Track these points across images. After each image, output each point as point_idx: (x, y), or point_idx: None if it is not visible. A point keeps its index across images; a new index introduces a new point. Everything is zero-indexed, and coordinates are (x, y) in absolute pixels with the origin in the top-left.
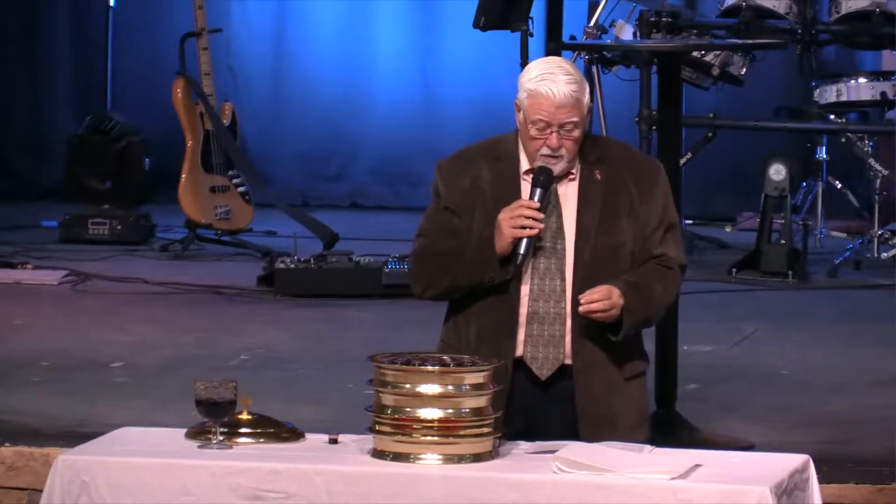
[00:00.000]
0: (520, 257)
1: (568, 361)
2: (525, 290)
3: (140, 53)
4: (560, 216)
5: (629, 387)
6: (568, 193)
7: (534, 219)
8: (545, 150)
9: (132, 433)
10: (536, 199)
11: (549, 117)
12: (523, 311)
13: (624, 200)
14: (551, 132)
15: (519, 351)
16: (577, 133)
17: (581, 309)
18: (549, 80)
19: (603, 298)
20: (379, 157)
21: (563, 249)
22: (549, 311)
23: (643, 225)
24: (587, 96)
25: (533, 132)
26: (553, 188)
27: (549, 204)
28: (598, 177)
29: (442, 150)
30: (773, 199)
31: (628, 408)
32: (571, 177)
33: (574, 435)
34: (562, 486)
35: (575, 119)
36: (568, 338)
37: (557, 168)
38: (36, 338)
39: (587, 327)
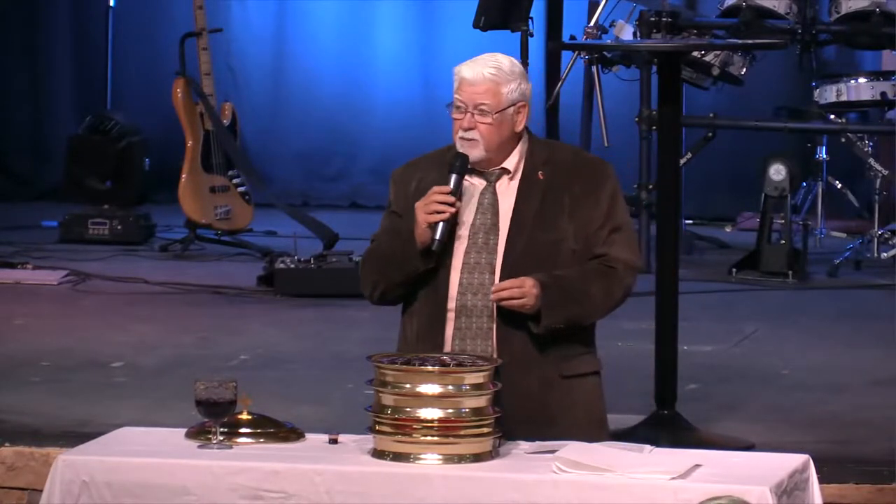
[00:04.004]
0: (436, 242)
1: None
2: (455, 284)
3: (140, 53)
4: (496, 213)
5: (569, 385)
6: (507, 191)
7: (447, 203)
8: (460, 132)
9: (132, 433)
10: (452, 184)
11: (464, 97)
12: (452, 305)
13: (564, 200)
14: (465, 112)
15: (447, 346)
16: (488, 119)
17: (492, 297)
18: (472, 62)
19: (513, 287)
20: (379, 157)
21: (496, 244)
22: (477, 304)
23: (585, 224)
24: (510, 89)
25: (454, 114)
26: (492, 186)
27: (486, 200)
28: (541, 177)
29: None
30: (773, 199)
31: (572, 407)
32: (511, 175)
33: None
34: (562, 486)
35: (486, 101)
36: (495, 332)
37: (474, 154)
38: (36, 338)
39: (512, 321)
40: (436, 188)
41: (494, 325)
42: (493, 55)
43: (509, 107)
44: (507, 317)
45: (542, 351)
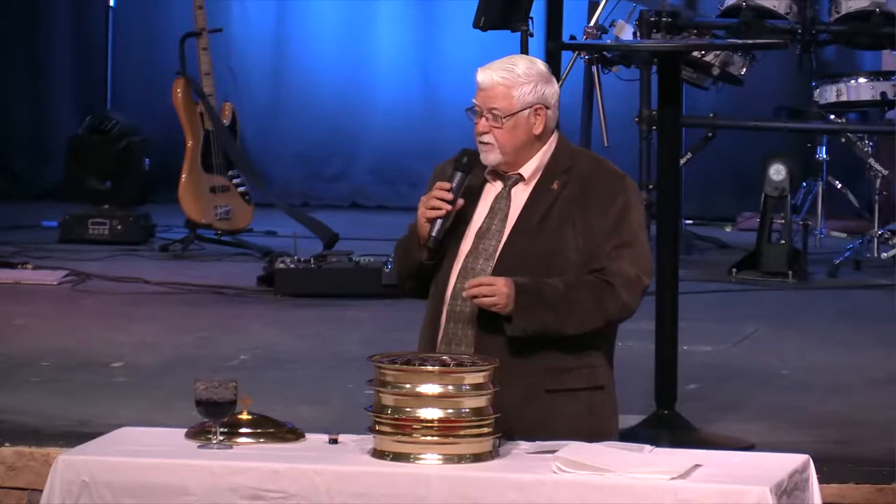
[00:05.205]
0: (431, 238)
1: None
2: (451, 287)
3: (140, 53)
4: (504, 219)
5: (554, 399)
6: (520, 198)
7: (445, 199)
8: (478, 136)
9: (132, 433)
10: (455, 181)
11: (479, 101)
12: (445, 309)
13: (573, 211)
14: (482, 117)
15: (436, 349)
16: (500, 123)
17: (464, 293)
18: (487, 66)
19: (483, 284)
20: (379, 157)
21: (495, 251)
22: (465, 310)
23: (589, 237)
24: (523, 92)
25: (473, 118)
26: (507, 191)
27: (498, 205)
28: (556, 186)
29: (442, 151)
30: (773, 199)
31: (553, 422)
32: (526, 182)
33: None
34: (562, 486)
35: (497, 106)
36: (474, 339)
37: (491, 158)
38: (36, 338)
39: (493, 330)
40: (438, 184)
41: (474, 332)
42: (511, 58)
43: (523, 110)
44: (488, 326)
45: (525, 362)
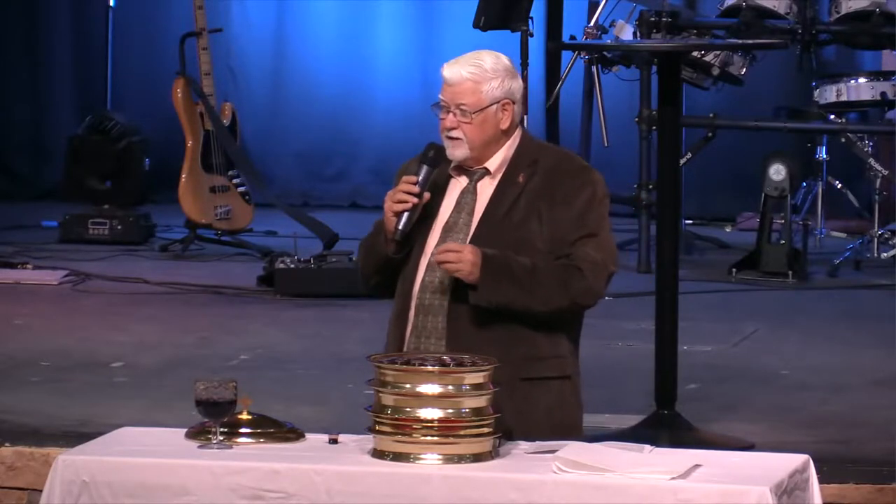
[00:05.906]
0: (397, 232)
1: None
2: (419, 281)
3: (140, 53)
4: (471, 213)
5: (529, 388)
6: (486, 191)
7: (411, 193)
8: (444, 132)
9: (132, 433)
10: (422, 175)
11: (446, 97)
12: (414, 303)
13: (539, 203)
14: (448, 112)
15: (405, 343)
16: (468, 119)
17: (433, 258)
18: (453, 62)
19: (450, 251)
20: (379, 157)
21: (463, 243)
22: (434, 303)
23: (555, 228)
24: (491, 87)
25: (440, 114)
26: (473, 185)
27: (465, 199)
28: (521, 179)
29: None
30: (773, 199)
31: (532, 411)
32: (492, 175)
33: None
34: (562, 486)
35: (465, 101)
36: (447, 331)
37: (459, 153)
38: (36, 338)
39: (465, 321)
40: (405, 177)
41: (444, 324)
42: (477, 53)
43: (491, 105)
44: (458, 317)
45: (496, 351)
